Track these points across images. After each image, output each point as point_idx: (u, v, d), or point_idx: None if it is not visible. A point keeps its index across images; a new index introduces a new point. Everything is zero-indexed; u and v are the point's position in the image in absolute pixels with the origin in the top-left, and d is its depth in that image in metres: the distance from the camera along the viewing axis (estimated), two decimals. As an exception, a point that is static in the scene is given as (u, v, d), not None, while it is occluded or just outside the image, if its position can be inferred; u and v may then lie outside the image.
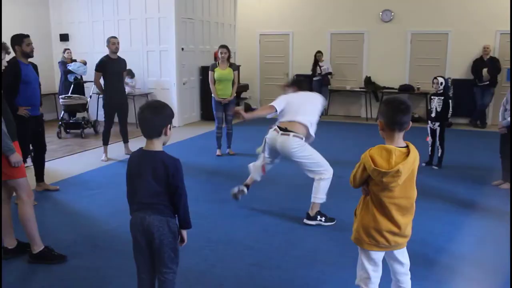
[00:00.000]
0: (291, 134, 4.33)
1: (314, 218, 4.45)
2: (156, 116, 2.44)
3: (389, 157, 2.32)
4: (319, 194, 4.40)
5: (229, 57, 7.13)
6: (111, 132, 7.00)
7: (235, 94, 7.31)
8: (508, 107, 5.47)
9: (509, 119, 5.40)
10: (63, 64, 9.46)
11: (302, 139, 4.36)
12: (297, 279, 3.36)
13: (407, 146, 2.40)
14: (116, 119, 7.02)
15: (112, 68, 6.72)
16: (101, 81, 6.92)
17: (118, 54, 6.90)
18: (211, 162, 7.05)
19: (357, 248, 2.59)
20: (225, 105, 7.18)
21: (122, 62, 6.96)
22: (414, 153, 2.37)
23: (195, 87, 10.64)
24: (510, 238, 3.72)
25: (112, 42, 6.70)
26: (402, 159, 2.32)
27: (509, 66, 10.05)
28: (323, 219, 4.47)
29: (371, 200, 2.45)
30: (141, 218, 2.49)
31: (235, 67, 7.28)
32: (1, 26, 4.46)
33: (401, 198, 2.40)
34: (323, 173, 4.40)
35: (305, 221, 4.46)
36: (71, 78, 9.41)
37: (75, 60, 9.58)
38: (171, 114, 2.51)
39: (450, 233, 4.25)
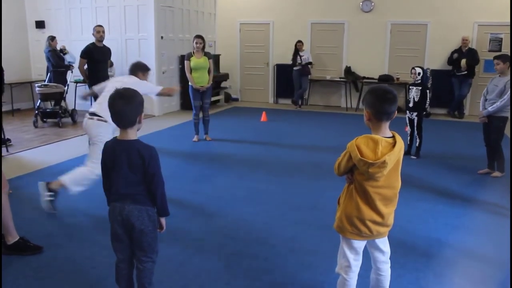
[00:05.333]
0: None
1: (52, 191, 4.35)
2: (129, 106, 2.39)
3: (375, 147, 2.29)
4: (74, 181, 4.33)
5: (204, 47, 7.29)
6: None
7: (211, 82, 7.47)
8: (489, 97, 5.54)
9: (489, 108, 5.47)
10: (54, 52, 9.11)
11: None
12: (276, 268, 3.36)
13: (393, 136, 2.38)
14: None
15: (97, 56, 6.84)
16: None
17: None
18: (190, 150, 7.02)
19: (335, 236, 2.60)
20: (203, 93, 7.36)
21: (107, 50, 7.09)
22: (400, 144, 2.35)
23: (175, 76, 10.55)
24: (510, 235, 3.77)
25: (97, 31, 6.84)
26: (388, 150, 2.30)
27: (486, 58, 10.20)
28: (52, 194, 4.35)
29: (355, 189, 2.43)
30: (119, 208, 2.46)
31: (210, 56, 7.44)
32: (0, 22, 4.34)
33: (385, 188, 2.39)
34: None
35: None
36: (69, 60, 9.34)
37: (56, 49, 9.36)
38: (141, 101, 2.47)
39: (427, 221, 4.30)
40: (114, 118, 2.42)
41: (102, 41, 6.83)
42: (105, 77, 6.92)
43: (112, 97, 2.40)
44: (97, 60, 6.75)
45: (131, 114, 2.40)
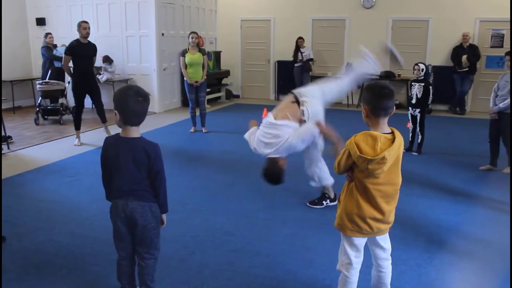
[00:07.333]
0: None
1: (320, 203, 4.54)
2: (145, 105, 2.41)
3: (374, 143, 2.29)
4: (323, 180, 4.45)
5: (198, 43, 7.72)
6: (89, 118, 6.93)
7: (205, 77, 7.82)
8: (500, 93, 5.49)
9: (500, 105, 5.42)
10: (48, 49, 9.19)
11: None
12: (277, 265, 3.36)
13: (392, 132, 2.37)
14: (88, 105, 6.97)
15: (82, 52, 6.69)
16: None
17: (96, 39, 6.84)
18: (190, 148, 7.01)
19: (337, 234, 2.59)
20: (197, 87, 7.76)
21: (92, 47, 6.92)
22: (399, 139, 2.34)
23: (176, 73, 10.52)
24: (510, 234, 3.76)
25: (83, 27, 6.67)
26: (387, 146, 2.29)
27: (488, 54, 10.17)
28: (328, 201, 4.54)
29: (356, 186, 2.43)
30: (122, 205, 2.46)
31: (204, 52, 7.82)
32: (0, 22, 4.33)
33: (386, 184, 2.38)
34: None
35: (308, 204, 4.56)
36: (58, 63, 9.22)
37: (55, 45, 9.39)
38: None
39: (429, 218, 4.29)
40: (129, 116, 2.39)
41: (87, 37, 6.73)
42: (89, 73, 6.93)
43: (128, 95, 2.36)
44: (80, 56, 6.65)
45: (145, 113, 2.44)
